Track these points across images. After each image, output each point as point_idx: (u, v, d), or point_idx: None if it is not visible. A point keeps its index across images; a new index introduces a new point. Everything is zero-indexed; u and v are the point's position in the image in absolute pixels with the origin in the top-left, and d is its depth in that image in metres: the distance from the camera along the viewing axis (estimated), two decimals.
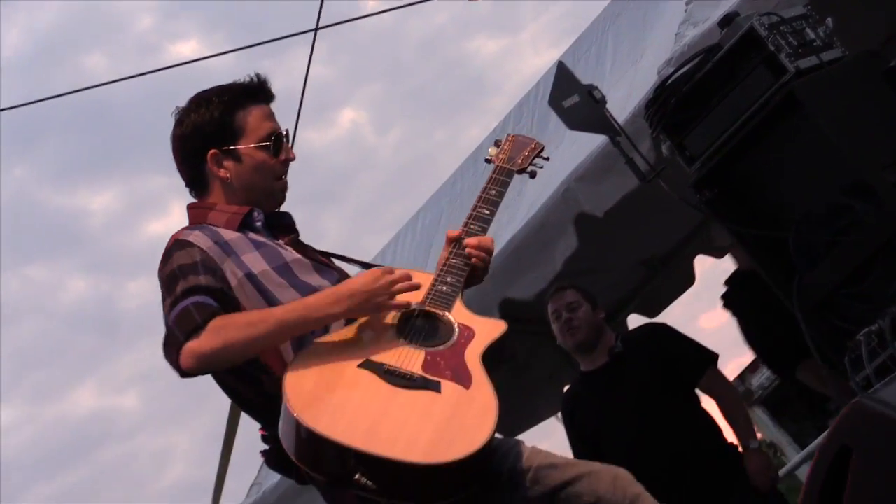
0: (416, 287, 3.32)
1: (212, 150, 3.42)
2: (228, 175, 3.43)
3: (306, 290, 3.29)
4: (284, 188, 3.54)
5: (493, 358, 3.27)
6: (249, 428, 3.42)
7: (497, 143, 3.93)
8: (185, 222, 3.42)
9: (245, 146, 3.44)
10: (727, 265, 8.43)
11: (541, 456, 3.23)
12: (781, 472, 8.58)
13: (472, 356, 3.21)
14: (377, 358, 3.13)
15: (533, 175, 3.89)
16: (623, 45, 6.99)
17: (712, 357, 6.19)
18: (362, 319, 3.26)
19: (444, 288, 3.38)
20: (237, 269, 3.27)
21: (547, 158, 3.93)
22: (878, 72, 4.47)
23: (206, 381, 3.32)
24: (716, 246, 8.35)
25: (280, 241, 3.45)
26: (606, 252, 7.85)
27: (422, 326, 3.27)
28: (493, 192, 3.70)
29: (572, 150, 6.46)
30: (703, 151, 4.60)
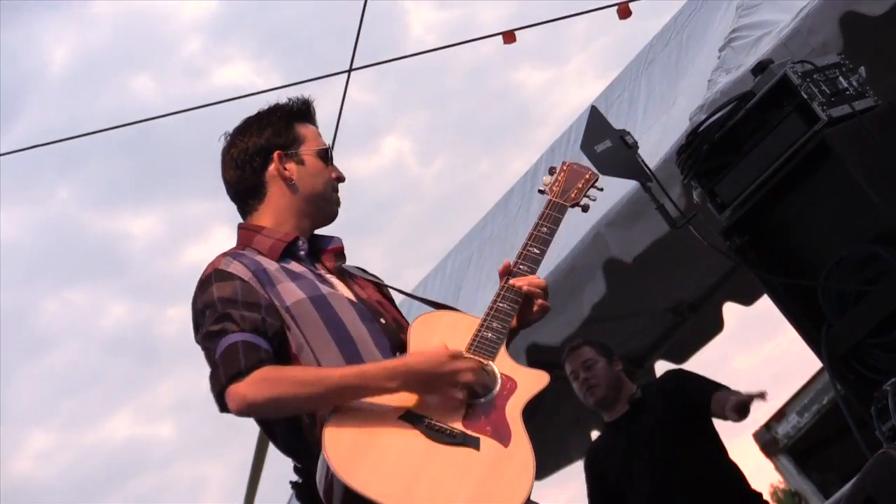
0: (480, 382, 3.18)
1: (277, 151, 3.47)
2: (293, 176, 3.46)
3: (340, 329, 3.25)
4: (338, 202, 3.56)
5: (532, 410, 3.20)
6: (278, 456, 3.38)
7: (552, 171, 3.82)
8: (227, 247, 3.43)
9: (307, 150, 3.51)
10: (758, 308, 8.45)
11: None
12: None
13: (514, 411, 3.14)
14: (418, 409, 3.07)
15: (586, 209, 3.78)
16: (656, 91, 7.00)
17: (719, 385, 6.13)
18: None
19: (490, 335, 3.28)
20: (275, 301, 3.25)
21: (601, 189, 3.84)
22: None
23: None
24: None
25: (322, 271, 3.44)
26: (635, 298, 7.86)
27: None
28: (545, 229, 3.59)
29: (603, 195, 6.44)
30: (733, 199, 4.59)
